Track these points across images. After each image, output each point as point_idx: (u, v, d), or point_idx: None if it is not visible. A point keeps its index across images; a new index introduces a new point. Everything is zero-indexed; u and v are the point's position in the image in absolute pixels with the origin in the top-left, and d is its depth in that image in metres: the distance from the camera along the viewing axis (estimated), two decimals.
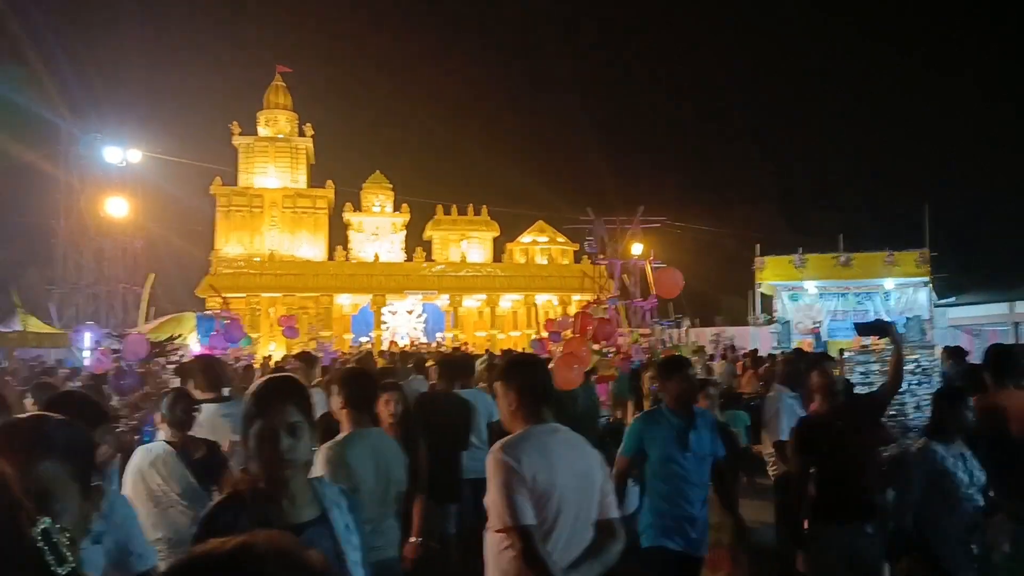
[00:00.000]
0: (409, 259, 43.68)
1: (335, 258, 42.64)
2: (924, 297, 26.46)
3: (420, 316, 43.55)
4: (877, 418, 4.94)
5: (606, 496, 2.78)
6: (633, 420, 4.51)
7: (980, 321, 29.51)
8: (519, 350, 23.42)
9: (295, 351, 26.63)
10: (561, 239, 45.33)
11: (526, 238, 46.47)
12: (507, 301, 44.25)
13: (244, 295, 38.54)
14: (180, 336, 12.55)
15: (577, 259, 43.17)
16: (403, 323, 42.79)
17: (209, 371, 4.66)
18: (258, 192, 42.62)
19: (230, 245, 41.85)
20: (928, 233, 25.70)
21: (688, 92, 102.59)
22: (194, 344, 13.40)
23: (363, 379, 4.00)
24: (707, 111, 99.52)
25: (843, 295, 27.91)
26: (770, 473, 6.37)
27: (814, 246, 28.11)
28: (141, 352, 9.02)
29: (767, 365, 10.61)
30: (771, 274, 27.78)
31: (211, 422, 4.40)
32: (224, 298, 13.23)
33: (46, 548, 0.79)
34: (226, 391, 4.92)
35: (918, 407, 6.30)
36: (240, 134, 43.27)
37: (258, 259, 41.21)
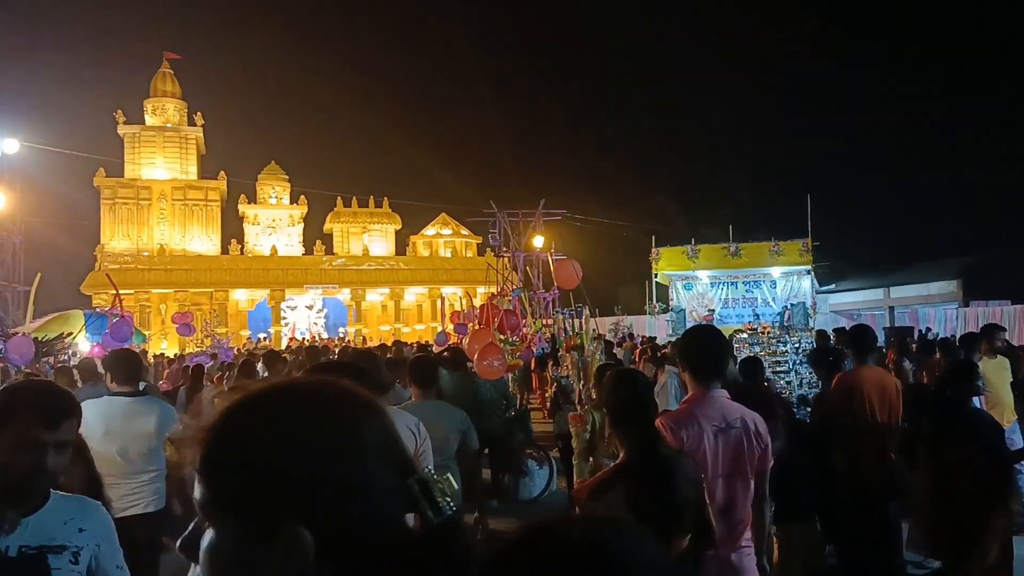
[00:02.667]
0: (308, 252, 42.84)
1: (230, 252, 41.38)
2: (807, 284, 27.91)
3: (321, 311, 42.82)
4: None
5: (466, 442, 4.69)
6: None
7: (858, 306, 31.49)
8: (424, 343, 23.42)
9: (189, 350, 25.74)
10: (465, 232, 45.45)
11: (430, 231, 46.35)
12: (411, 294, 44.05)
13: (133, 291, 36.91)
14: (70, 335, 11.99)
15: (481, 252, 43.40)
16: (303, 318, 41.97)
17: (126, 364, 4.59)
18: (146, 184, 40.86)
19: (116, 239, 39.99)
20: (811, 224, 27.15)
21: (588, 88, 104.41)
22: (83, 343, 12.82)
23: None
24: (605, 107, 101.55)
25: (733, 283, 29.16)
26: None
27: (706, 237, 29.23)
28: (28, 354, 8.61)
29: (663, 351, 11.11)
30: (666, 264, 28.73)
31: (124, 414, 4.36)
32: (118, 294, 12.67)
33: (423, 497, 0.82)
34: (142, 385, 4.87)
35: (801, 384, 6.81)
36: (125, 123, 41.34)
37: (147, 254, 39.55)
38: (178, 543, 1.15)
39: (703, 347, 3.21)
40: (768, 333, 7.66)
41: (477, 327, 10.05)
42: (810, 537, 4.99)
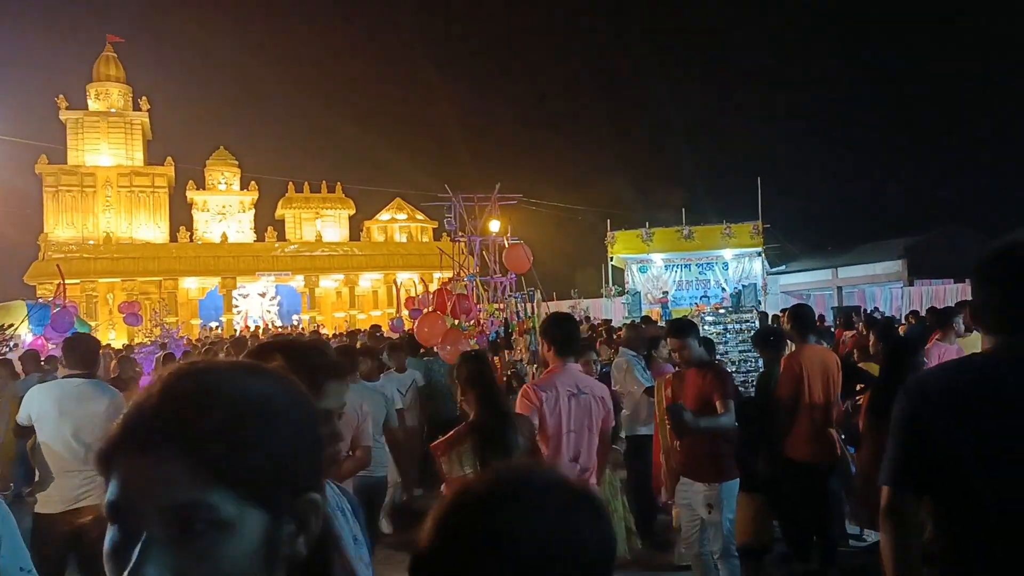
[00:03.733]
0: (260, 239, 42.17)
1: (178, 240, 40.52)
2: (758, 266, 28.37)
3: (274, 298, 42.24)
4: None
5: (387, 420, 5.19)
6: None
7: (808, 287, 32.11)
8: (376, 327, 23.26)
9: (138, 340, 25.21)
10: (420, 216, 45.12)
11: (384, 216, 45.93)
12: (366, 280, 43.68)
13: (79, 281, 35.97)
14: (11, 326, 11.64)
15: (437, 236, 43.16)
16: (255, 306, 41.36)
17: (80, 349, 4.55)
18: (90, 171, 39.72)
19: (61, 228, 38.87)
20: (761, 207, 27.53)
21: (542, 73, 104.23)
22: (26, 334, 12.46)
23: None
24: (561, 92, 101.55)
25: (687, 266, 29.53)
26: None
27: (660, 221, 29.50)
28: None
29: (617, 334, 11.23)
30: (621, 248, 28.95)
31: (76, 395, 4.32)
32: (63, 284, 12.36)
33: None
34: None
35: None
36: (68, 108, 40.09)
37: (92, 242, 38.53)
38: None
39: (562, 330, 3.92)
40: (731, 317, 7.96)
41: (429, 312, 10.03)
42: (756, 509, 5.12)
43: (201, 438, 0.70)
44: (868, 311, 20.05)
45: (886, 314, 20.84)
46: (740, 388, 7.18)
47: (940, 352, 5.93)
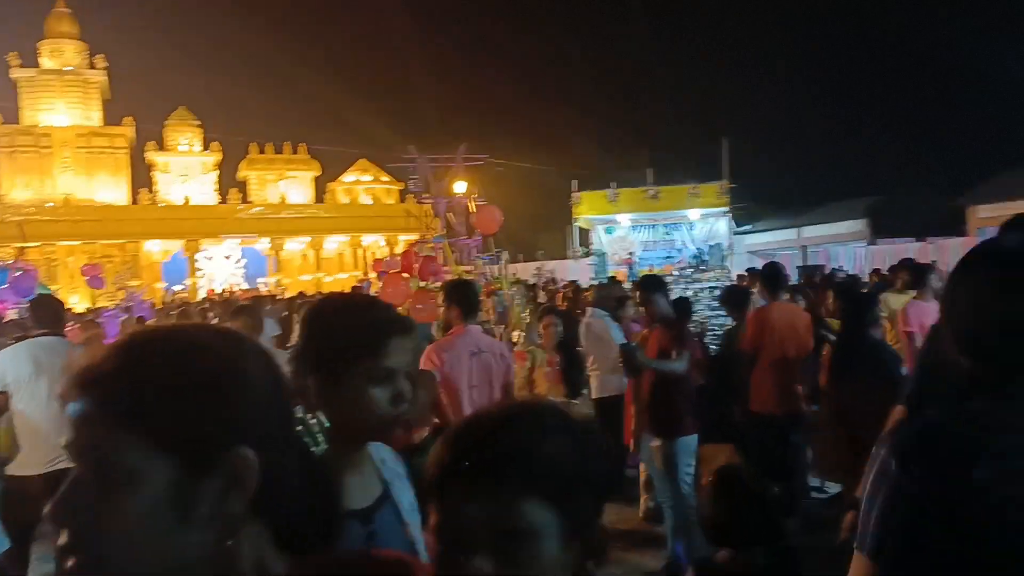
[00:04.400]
0: (223, 201, 41.41)
1: (140, 202, 39.66)
2: (724, 226, 28.50)
3: (239, 261, 41.64)
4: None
5: None
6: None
7: (772, 246, 32.45)
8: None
9: (101, 303, 24.78)
10: (385, 178, 44.57)
11: (349, 177, 45.31)
12: (332, 243, 43.23)
13: (39, 244, 35.13)
14: None
15: (402, 198, 42.75)
16: (220, 269, 40.77)
17: (50, 308, 4.59)
18: (45, 131, 38.54)
19: (17, 190, 37.82)
20: (727, 166, 27.58)
21: (508, 32, 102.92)
22: None
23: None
24: (526, 50, 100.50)
25: (653, 226, 29.56)
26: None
27: (626, 181, 29.44)
28: None
29: (584, 294, 11.29)
30: (587, 208, 28.88)
31: (50, 348, 4.38)
32: (22, 247, 12.11)
33: (303, 430, 0.89)
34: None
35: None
36: (20, 66, 38.75)
37: (51, 204, 37.59)
38: (49, 507, 0.74)
39: (465, 295, 4.27)
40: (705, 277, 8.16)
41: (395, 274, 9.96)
42: (726, 460, 5.27)
43: (105, 383, 0.74)
44: (832, 270, 20.35)
45: (850, 272, 21.16)
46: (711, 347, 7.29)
47: (918, 311, 5.64)
